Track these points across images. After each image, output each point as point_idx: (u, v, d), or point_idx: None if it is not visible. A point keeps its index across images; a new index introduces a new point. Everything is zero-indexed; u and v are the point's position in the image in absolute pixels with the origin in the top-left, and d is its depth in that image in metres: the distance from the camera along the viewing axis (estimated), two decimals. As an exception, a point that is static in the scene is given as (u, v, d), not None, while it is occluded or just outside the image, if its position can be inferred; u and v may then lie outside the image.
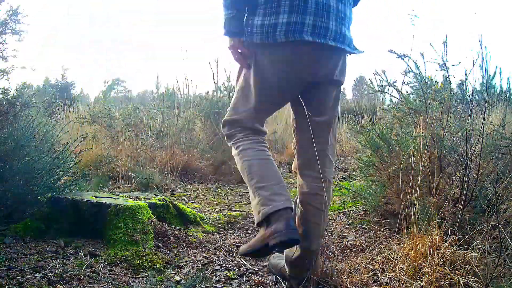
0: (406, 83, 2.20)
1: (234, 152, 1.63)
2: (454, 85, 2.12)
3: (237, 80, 1.60)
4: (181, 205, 2.44)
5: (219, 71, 5.55)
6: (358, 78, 41.29)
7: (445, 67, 1.97)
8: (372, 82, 2.19)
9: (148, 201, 2.25)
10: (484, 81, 4.53)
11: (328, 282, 1.54)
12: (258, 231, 2.17)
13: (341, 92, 1.63)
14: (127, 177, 3.55)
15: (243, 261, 1.92)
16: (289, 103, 1.65)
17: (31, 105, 2.25)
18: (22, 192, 2.06)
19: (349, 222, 2.47)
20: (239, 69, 1.59)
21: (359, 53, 1.56)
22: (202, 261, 1.90)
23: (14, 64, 2.18)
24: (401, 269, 1.59)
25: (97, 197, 2.18)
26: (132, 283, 1.62)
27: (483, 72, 4.55)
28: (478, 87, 4.63)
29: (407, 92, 2.25)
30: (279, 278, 1.71)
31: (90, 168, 3.65)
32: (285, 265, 1.65)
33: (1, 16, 2.13)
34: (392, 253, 1.83)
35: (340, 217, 2.62)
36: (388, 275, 1.61)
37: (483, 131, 1.88)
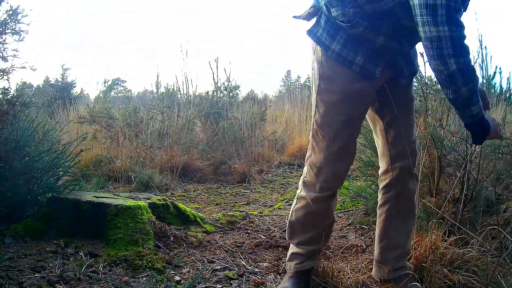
0: (406, 83, 2.19)
1: None
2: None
3: None
4: (181, 205, 2.44)
5: (219, 71, 5.57)
6: (358, 78, 41.17)
7: (445, 67, 1.97)
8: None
9: (148, 201, 2.25)
10: (484, 81, 4.53)
11: (328, 282, 1.54)
12: (257, 231, 2.18)
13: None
14: (127, 177, 3.55)
15: (243, 261, 1.92)
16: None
17: (31, 105, 2.25)
18: (22, 192, 2.06)
19: (349, 222, 2.47)
20: None
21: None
22: (202, 261, 1.90)
23: (14, 64, 2.17)
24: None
25: (97, 197, 2.17)
26: (132, 283, 1.62)
27: (483, 72, 4.55)
28: (478, 87, 4.62)
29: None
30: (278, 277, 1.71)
31: (90, 168, 3.65)
32: None
33: (1, 16, 2.12)
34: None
35: (340, 217, 2.62)
36: (388, 275, 1.61)
37: (483, 131, 1.88)
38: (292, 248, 1.59)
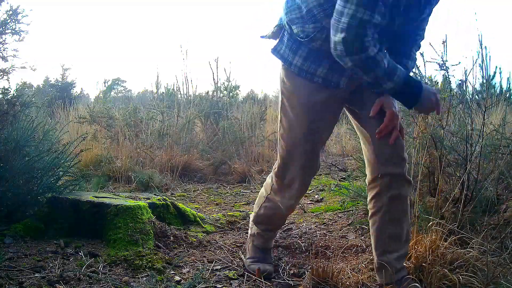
0: (406, 83, 2.19)
1: None
2: (454, 85, 2.12)
3: None
4: (181, 205, 2.44)
5: (219, 71, 5.56)
6: (358, 78, 41.19)
7: (445, 67, 1.97)
8: (372, 82, 2.19)
9: (148, 201, 2.25)
10: (484, 81, 4.53)
11: (328, 282, 1.54)
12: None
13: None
14: (127, 177, 3.55)
15: (243, 261, 1.92)
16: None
17: (31, 105, 2.25)
18: (22, 192, 2.06)
19: (349, 222, 2.47)
20: None
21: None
22: (202, 261, 1.90)
23: (14, 64, 2.17)
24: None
25: (97, 197, 2.17)
26: (132, 283, 1.62)
27: (483, 72, 4.55)
28: (478, 87, 4.63)
29: (407, 92, 2.25)
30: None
31: (90, 168, 3.65)
32: None
33: (1, 16, 2.12)
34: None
35: (340, 217, 2.62)
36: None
37: (483, 131, 1.88)
38: (256, 230, 1.83)
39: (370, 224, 1.58)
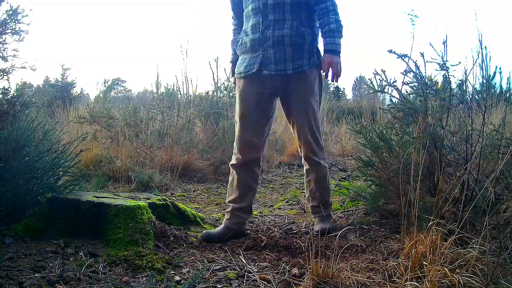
0: (406, 83, 2.20)
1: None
2: (454, 85, 2.12)
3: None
4: (181, 205, 2.44)
5: (219, 71, 5.56)
6: (358, 78, 41.34)
7: (445, 67, 1.97)
8: (372, 82, 2.19)
9: (148, 201, 2.25)
10: (484, 81, 4.53)
11: (328, 282, 1.54)
12: (257, 231, 2.30)
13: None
14: (127, 177, 3.55)
15: (243, 261, 1.92)
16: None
17: (31, 105, 2.25)
18: (22, 192, 2.06)
19: (349, 222, 2.47)
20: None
21: None
22: (202, 261, 1.90)
23: (14, 64, 2.17)
24: (401, 266, 1.59)
25: (97, 197, 2.18)
26: (132, 283, 1.62)
27: (483, 72, 4.56)
28: (478, 87, 4.63)
29: (407, 92, 2.25)
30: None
31: (90, 168, 3.65)
32: None
33: (1, 16, 2.12)
34: (392, 253, 1.83)
35: (340, 217, 2.62)
36: (388, 275, 1.61)
37: (483, 131, 1.88)
38: (227, 208, 2.32)
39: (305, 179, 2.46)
